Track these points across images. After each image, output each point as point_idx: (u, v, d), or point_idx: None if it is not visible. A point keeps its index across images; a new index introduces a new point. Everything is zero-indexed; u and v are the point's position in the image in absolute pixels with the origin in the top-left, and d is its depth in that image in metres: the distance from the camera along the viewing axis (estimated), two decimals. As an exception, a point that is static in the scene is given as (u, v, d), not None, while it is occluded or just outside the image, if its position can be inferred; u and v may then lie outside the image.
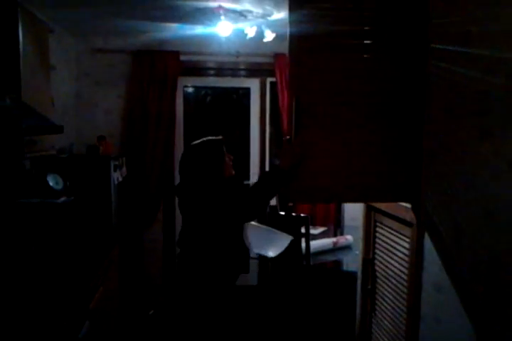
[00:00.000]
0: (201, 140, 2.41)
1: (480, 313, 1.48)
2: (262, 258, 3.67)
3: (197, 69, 4.56)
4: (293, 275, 3.32)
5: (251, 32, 3.55)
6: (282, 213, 3.58)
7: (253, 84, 4.69)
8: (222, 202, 2.22)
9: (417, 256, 1.94)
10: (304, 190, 1.94)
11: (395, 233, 2.26)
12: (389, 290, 2.31)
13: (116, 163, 3.72)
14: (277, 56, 4.35)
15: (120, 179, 3.82)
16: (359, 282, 2.74)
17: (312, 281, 3.22)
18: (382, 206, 2.36)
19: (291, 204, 3.69)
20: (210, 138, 2.42)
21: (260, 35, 3.59)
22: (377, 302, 2.49)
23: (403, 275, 2.13)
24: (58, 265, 2.64)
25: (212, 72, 4.63)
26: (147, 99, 4.31)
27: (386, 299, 2.35)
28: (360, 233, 2.70)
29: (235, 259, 2.41)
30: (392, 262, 2.27)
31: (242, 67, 4.57)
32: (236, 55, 4.39)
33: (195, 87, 4.86)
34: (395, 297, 2.24)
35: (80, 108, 4.37)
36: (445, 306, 1.73)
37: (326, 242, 3.61)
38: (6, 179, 2.90)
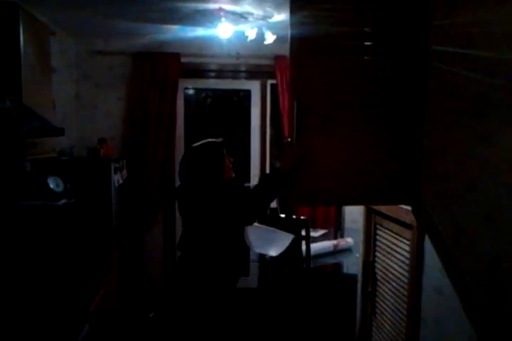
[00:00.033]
0: (201, 142, 2.41)
1: (480, 316, 1.48)
2: (262, 261, 3.67)
3: (197, 71, 4.56)
4: (293, 277, 3.32)
5: (251, 34, 3.55)
6: (283, 215, 3.58)
7: (254, 86, 4.69)
8: (222, 205, 2.21)
9: (417, 259, 1.94)
10: (304, 193, 1.94)
11: (395, 235, 2.25)
12: (389, 292, 2.31)
13: (117, 165, 3.72)
14: (278, 58, 4.35)
15: (121, 181, 3.82)
16: (359, 284, 2.73)
17: (312, 284, 3.22)
18: (382, 208, 2.36)
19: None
20: (210, 140, 2.42)
21: (261, 37, 3.60)
22: (377, 304, 2.49)
23: (403, 278, 2.13)
24: (58, 267, 2.63)
25: (212, 74, 4.63)
26: (148, 101, 4.31)
27: (386, 302, 2.35)
28: (361, 235, 2.70)
29: (235, 262, 2.40)
30: (393, 265, 2.27)
31: (242, 69, 4.57)
32: (237, 57, 4.39)
33: (196, 89, 4.87)
34: (395, 299, 2.23)
35: (80, 110, 4.38)
36: (445, 309, 1.73)
37: (327, 245, 3.61)
38: (6, 181, 2.90)
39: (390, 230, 2.32)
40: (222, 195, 2.28)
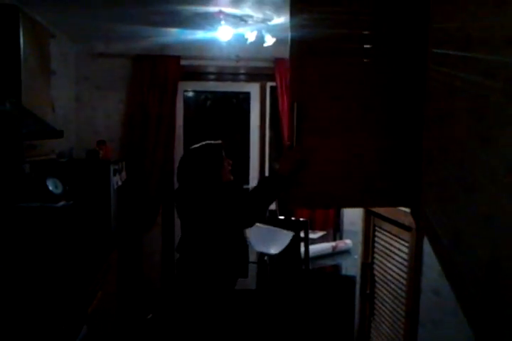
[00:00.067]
0: (200, 144, 2.41)
1: (479, 318, 1.48)
2: (261, 263, 3.67)
3: (197, 74, 4.58)
4: (292, 279, 3.32)
5: (251, 36, 3.56)
6: (282, 217, 3.58)
7: (253, 89, 4.70)
8: (220, 209, 2.20)
9: (415, 261, 1.94)
10: (303, 196, 1.94)
11: (394, 237, 2.26)
12: (388, 294, 2.31)
13: (116, 167, 3.73)
14: (277, 61, 4.37)
15: (120, 183, 3.82)
16: (358, 286, 2.74)
17: (311, 285, 3.22)
18: (381, 210, 2.36)
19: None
20: (209, 142, 2.41)
21: (260, 39, 3.61)
22: (375, 306, 2.49)
23: (402, 280, 2.13)
24: (57, 269, 2.63)
25: (212, 76, 4.65)
26: (147, 104, 4.32)
27: (385, 303, 2.35)
28: (360, 237, 2.71)
29: (234, 264, 2.40)
30: (391, 266, 2.27)
31: (242, 71, 4.59)
32: (236, 59, 4.40)
33: (196, 92, 4.88)
34: (393, 301, 2.24)
35: (80, 112, 4.39)
36: (444, 311, 1.73)
37: (325, 246, 3.61)
38: (5, 183, 2.90)
39: (388, 232, 2.33)
40: (221, 198, 2.28)
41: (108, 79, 4.42)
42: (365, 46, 1.90)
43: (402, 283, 2.12)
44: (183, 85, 4.53)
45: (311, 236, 3.73)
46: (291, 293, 3.28)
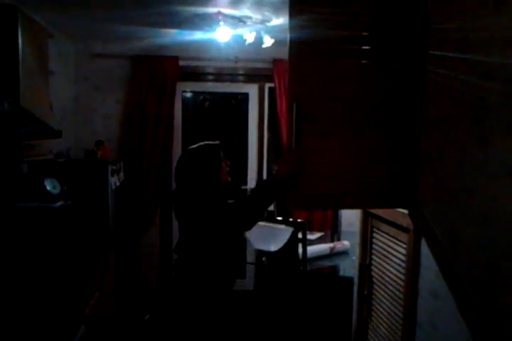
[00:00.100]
0: (198, 144, 2.39)
1: (477, 319, 1.49)
2: (259, 264, 3.67)
3: (196, 75, 4.58)
4: (289, 280, 3.32)
5: (250, 37, 3.56)
6: (279, 218, 3.58)
7: (251, 90, 4.71)
8: (218, 213, 2.20)
9: (413, 262, 1.94)
10: (302, 197, 1.94)
11: (391, 239, 2.26)
12: (385, 295, 2.31)
13: (114, 167, 3.73)
14: (276, 62, 4.37)
15: (118, 183, 3.82)
16: (355, 287, 2.74)
17: (309, 286, 3.22)
18: (379, 212, 2.36)
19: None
20: (207, 142, 2.40)
21: (259, 40, 3.61)
22: (373, 307, 2.49)
23: (400, 281, 2.13)
24: (54, 269, 2.63)
25: (210, 77, 4.65)
26: (146, 104, 4.32)
27: (382, 305, 2.35)
28: (357, 238, 2.71)
29: (232, 265, 2.40)
30: (389, 268, 2.27)
31: (240, 72, 4.59)
32: (235, 60, 4.40)
33: (194, 92, 4.88)
34: (391, 303, 2.24)
35: (78, 113, 4.39)
36: (442, 312, 1.73)
37: (323, 247, 3.61)
38: (3, 183, 2.90)
39: (386, 233, 2.33)
40: (218, 202, 2.28)
41: (106, 79, 4.42)
42: (364, 47, 1.90)
43: (400, 285, 2.13)
44: (181, 86, 4.53)
45: (309, 237, 3.73)
46: (288, 294, 3.28)
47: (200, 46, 4.25)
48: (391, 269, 2.24)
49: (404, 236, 2.08)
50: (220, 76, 4.63)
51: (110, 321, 3.26)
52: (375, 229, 2.49)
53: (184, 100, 4.74)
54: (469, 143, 1.53)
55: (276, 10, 3.16)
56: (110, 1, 3.01)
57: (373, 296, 2.49)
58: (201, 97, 4.97)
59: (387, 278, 2.30)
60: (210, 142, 2.41)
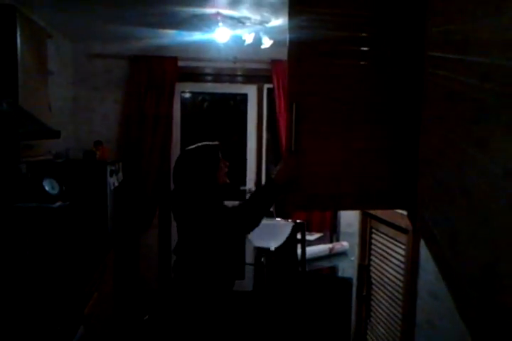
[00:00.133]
0: (196, 145, 2.38)
1: (475, 319, 1.49)
2: (258, 264, 3.66)
3: (194, 75, 4.58)
4: (288, 281, 3.32)
5: (249, 38, 3.56)
6: (278, 219, 3.58)
7: (250, 90, 4.71)
8: (216, 217, 2.19)
9: (412, 263, 1.95)
10: (301, 198, 1.94)
11: (390, 240, 2.26)
12: (384, 296, 2.32)
13: (113, 168, 3.72)
14: (274, 62, 4.37)
15: (116, 184, 3.82)
16: (354, 288, 2.74)
17: (308, 287, 3.22)
18: (378, 213, 2.37)
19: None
20: (205, 143, 2.38)
21: (258, 41, 3.61)
22: (372, 308, 2.49)
23: (398, 282, 2.13)
24: (53, 269, 2.63)
25: (209, 77, 4.65)
26: (144, 105, 4.32)
27: (381, 305, 2.35)
28: (356, 239, 2.71)
29: (231, 266, 2.39)
30: (388, 269, 2.27)
31: (239, 73, 4.59)
32: (234, 61, 4.40)
33: (193, 93, 4.87)
34: (390, 303, 2.24)
35: (77, 113, 4.38)
36: (440, 313, 1.73)
37: (322, 248, 3.61)
38: (2, 183, 2.90)
39: (385, 234, 2.33)
40: (217, 205, 2.27)
41: (105, 79, 4.42)
42: (363, 48, 1.90)
43: (399, 285, 2.13)
44: (180, 86, 4.53)
45: (308, 237, 3.73)
46: (287, 294, 3.28)
47: (199, 47, 4.25)
48: (390, 270, 2.24)
49: (403, 237, 2.09)
50: (218, 77, 4.63)
51: (109, 321, 3.26)
52: (374, 230, 2.49)
53: (183, 101, 4.74)
54: (468, 144, 1.53)
55: (275, 11, 3.16)
56: (109, 2, 3.01)
57: (372, 297, 2.49)
58: (200, 98, 4.97)
59: (386, 279, 2.30)
60: (209, 143, 2.39)
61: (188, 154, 2.36)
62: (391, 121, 1.91)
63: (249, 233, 2.27)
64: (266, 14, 3.26)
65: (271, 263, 3.43)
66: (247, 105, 4.74)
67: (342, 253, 3.65)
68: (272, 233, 2.62)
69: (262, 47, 3.67)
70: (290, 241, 3.26)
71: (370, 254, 2.54)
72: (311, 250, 3.48)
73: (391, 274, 2.23)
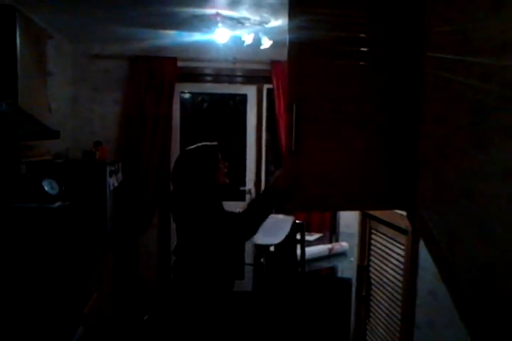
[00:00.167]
0: (196, 145, 2.37)
1: (475, 319, 1.49)
2: (257, 265, 3.67)
3: (194, 76, 4.58)
4: (288, 281, 3.32)
5: (248, 39, 3.56)
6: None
7: (250, 91, 4.71)
8: (215, 222, 2.20)
9: (411, 263, 1.95)
10: (301, 199, 1.94)
11: (390, 240, 2.26)
12: (383, 297, 2.32)
13: (112, 168, 3.72)
14: (274, 63, 4.37)
15: (116, 184, 3.82)
16: (354, 289, 2.74)
17: (307, 288, 3.22)
18: (377, 213, 2.37)
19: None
20: (205, 143, 2.38)
21: (257, 42, 3.61)
22: (371, 309, 2.49)
23: (398, 283, 2.14)
24: (53, 269, 2.63)
25: (209, 78, 4.65)
26: (144, 105, 4.32)
27: (381, 306, 2.35)
28: (356, 240, 2.71)
29: (230, 267, 2.39)
30: (387, 269, 2.28)
31: (239, 73, 4.59)
32: (233, 61, 4.41)
33: (192, 93, 4.87)
34: (389, 304, 2.24)
35: (76, 113, 4.38)
36: (440, 313, 1.74)
37: (321, 249, 3.61)
38: (1, 183, 2.90)
39: (384, 235, 2.33)
40: (216, 207, 2.28)
41: (105, 80, 4.42)
42: (362, 49, 1.91)
43: (398, 286, 2.13)
44: (179, 87, 4.53)
45: (308, 238, 3.73)
46: (287, 295, 3.28)
47: (198, 47, 4.25)
48: (389, 270, 2.25)
49: (402, 238, 2.09)
50: (218, 77, 4.63)
51: (108, 321, 3.26)
52: (373, 231, 2.49)
53: (182, 101, 4.74)
54: (467, 144, 1.54)
55: (275, 11, 3.16)
56: (109, 2, 3.01)
57: (371, 297, 2.49)
58: (199, 98, 4.97)
59: (385, 280, 2.30)
60: (208, 143, 2.39)
61: (187, 155, 2.36)
62: (391, 121, 1.91)
63: (248, 240, 2.29)
64: (265, 15, 3.27)
65: (270, 264, 3.44)
66: (246, 106, 4.74)
67: (341, 254, 3.65)
68: (272, 229, 2.61)
69: (262, 47, 3.67)
70: (290, 242, 3.27)
71: (369, 255, 2.54)
72: (311, 250, 3.48)
73: (390, 275, 2.23)
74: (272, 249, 3.44)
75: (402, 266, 2.09)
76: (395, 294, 2.16)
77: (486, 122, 1.43)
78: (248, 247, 3.87)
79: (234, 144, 4.88)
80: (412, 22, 1.88)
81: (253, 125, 4.72)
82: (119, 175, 4.01)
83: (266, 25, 3.49)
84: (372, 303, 2.48)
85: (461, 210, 1.56)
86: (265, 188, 2.23)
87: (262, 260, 3.63)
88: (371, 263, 2.51)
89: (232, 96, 4.91)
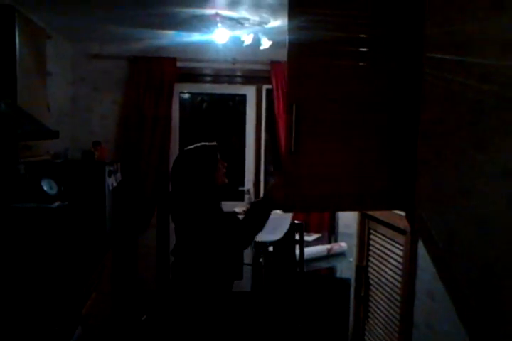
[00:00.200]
0: (195, 145, 2.37)
1: (473, 320, 1.49)
2: (256, 265, 3.67)
3: (193, 76, 4.58)
4: (287, 281, 3.32)
5: (248, 39, 3.56)
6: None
7: (249, 91, 4.71)
8: (213, 227, 2.21)
9: (410, 264, 1.95)
10: (299, 200, 1.94)
11: (388, 240, 2.26)
12: (382, 297, 2.32)
13: (111, 168, 3.72)
14: (273, 63, 4.38)
15: (115, 184, 3.82)
16: (352, 289, 2.74)
17: (306, 288, 3.22)
18: (376, 213, 2.37)
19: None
20: (204, 144, 2.38)
21: (257, 42, 3.61)
22: (370, 309, 2.49)
23: (396, 283, 2.14)
24: (51, 269, 2.63)
25: (208, 78, 4.65)
26: (143, 105, 4.32)
27: (379, 306, 2.36)
28: (354, 240, 2.71)
29: (229, 267, 2.39)
30: (386, 269, 2.28)
31: (238, 74, 4.59)
32: (232, 62, 4.41)
33: (192, 94, 4.88)
34: (388, 304, 2.24)
35: (75, 113, 4.38)
36: (438, 313, 1.74)
37: (320, 249, 3.62)
38: (0, 183, 2.89)
39: (383, 235, 2.33)
40: (215, 210, 2.28)
41: (104, 80, 4.42)
42: (362, 49, 1.91)
43: (397, 286, 2.13)
44: (179, 87, 4.53)
45: (306, 238, 3.73)
46: (286, 295, 3.28)
47: (197, 47, 4.25)
48: (388, 271, 2.25)
49: (401, 238, 2.09)
50: (217, 77, 4.63)
51: (107, 321, 3.26)
52: (372, 231, 2.49)
53: (182, 101, 4.74)
54: (467, 145, 1.54)
55: (274, 12, 3.17)
56: (108, 2, 3.01)
57: (370, 298, 2.49)
58: (199, 98, 4.97)
59: (384, 280, 2.30)
60: (207, 143, 2.39)
61: (186, 155, 2.36)
62: (390, 121, 1.91)
63: (245, 249, 2.32)
64: (265, 15, 3.27)
65: (269, 264, 3.44)
66: (245, 106, 4.74)
67: (340, 254, 3.65)
68: (271, 226, 2.61)
69: (261, 48, 3.67)
70: (288, 242, 3.27)
71: (368, 255, 2.54)
72: (310, 251, 3.48)
73: (389, 275, 2.23)
74: (270, 249, 3.44)
75: (400, 267, 2.09)
76: (394, 294, 2.16)
77: (486, 122, 1.43)
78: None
79: (233, 144, 4.88)
80: (411, 22, 1.88)
81: (252, 125, 4.73)
82: (118, 175, 4.01)
83: (265, 26, 3.49)
84: (370, 303, 2.49)
85: (460, 210, 1.56)
86: (261, 198, 2.24)
87: (260, 260, 3.63)
88: (370, 264, 2.51)
89: (232, 97, 4.91)
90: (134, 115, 4.34)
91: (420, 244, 1.87)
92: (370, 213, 2.45)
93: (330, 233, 4.38)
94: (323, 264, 3.51)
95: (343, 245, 3.72)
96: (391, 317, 2.20)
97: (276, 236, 3.05)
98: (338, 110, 1.88)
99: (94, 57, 4.36)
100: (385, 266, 2.29)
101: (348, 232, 3.24)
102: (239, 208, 3.76)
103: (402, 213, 2.02)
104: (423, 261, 1.85)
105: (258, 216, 2.18)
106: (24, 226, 2.90)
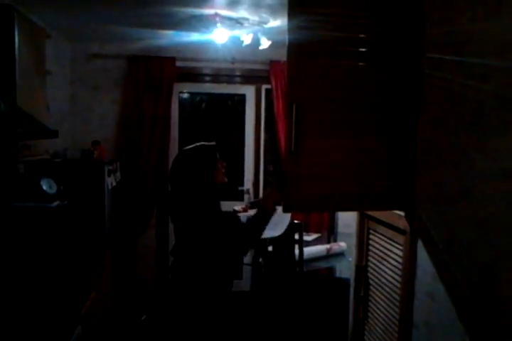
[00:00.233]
0: (194, 145, 2.37)
1: (473, 320, 1.49)
2: (256, 264, 3.67)
3: (193, 76, 4.58)
4: (286, 281, 3.32)
5: (247, 39, 3.56)
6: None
7: (248, 91, 4.71)
8: (212, 228, 2.22)
9: (409, 264, 1.95)
10: (300, 200, 1.94)
11: (388, 240, 2.27)
12: (382, 297, 2.32)
13: (111, 167, 3.72)
14: (273, 63, 4.37)
15: (114, 184, 3.82)
16: (352, 289, 2.74)
17: (305, 288, 3.22)
18: (375, 213, 2.37)
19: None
20: (203, 143, 2.38)
21: (256, 42, 3.61)
22: (369, 309, 2.49)
23: (396, 283, 2.14)
24: (51, 269, 2.62)
25: (207, 78, 4.65)
26: (142, 105, 4.32)
27: (379, 306, 2.36)
28: (354, 240, 2.71)
29: (229, 267, 2.39)
30: (385, 269, 2.28)
31: (237, 73, 4.59)
32: (232, 61, 4.41)
33: (191, 93, 4.88)
34: (387, 304, 2.24)
35: (75, 113, 4.38)
36: (438, 313, 1.74)
37: (320, 249, 3.62)
38: (0, 183, 2.89)
39: (383, 235, 2.34)
40: (214, 211, 2.29)
41: (103, 79, 4.42)
42: (362, 49, 1.91)
43: (396, 286, 2.13)
44: (178, 86, 4.53)
45: (306, 238, 3.73)
46: (285, 295, 3.28)
47: (197, 47, 4.25)
48: (387, 271, 2.25)
49: (400, 238, 2.09)
50: (217, 77, 4.63)
51: (106, 321, 3.26)
52: (371, 231, 2.49)
53: (181, 101, 4.74)
54: (467, 145, 1.54)
55: (274, 12, 3.16)
56: (108, 2, 3.01)
57: (370, 298, 2.49)
58: (198, 98, 4.97)
59: (383, 280, 2.30)
60: (206, 143, 2.38)
61: (185, 154, 2.36)
62: (389, 122, 1.91)
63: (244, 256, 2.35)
64: (264, 15, 3.27)
65: (268, 264, 3.44)
66: (245, 106, 4.74)
67: (340, 254, 3.65)
68: (271, 223, 2.61)
69: (260, 48, 3.67)
70: (288, 242, 3.27)
71: (367, 255, 2.54)
72: (309, 250, 3.48)
73: (388, 275, 2.23)
74: (270, 248, 3.44)
75: (400, 267, 2.09)
76: (393, 294, 2.17)
77: (486, 123, 1.43)
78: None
79: (232, 144, 4.88)
80: (411, 22, 1.88)
81: (251, 125, 4.72)
82: (118, 174, 4.01)
83: (265, 26, 3.49)
84: (370, 303, 2.49)
85: (460, 211, 1.56)
86: (258, 210, 2.26)
87: (260, 260, 3.63)
88: (369, 264, 2.51)
89: (231, 96, 4.91)
90: (134, 114, 4.34)
91: (420, 244, 1.88)
92: (370, 213, 2.45)
93: (329, 233, 4.38)
94: (323, 264, 3.51)
95: (342, 245, 3.72)
96: (391, 317, 2.20)
97: (277, 232, 3.05)
98: (338, 110, 1.88)
99: (94, 56, 4.36)
100: (385, 265, 2.29)
101: (348, 232, 3.24)
102: (238, 206, 3.77)
103: (402, 213, 2.02)
104: (423, 261, 1.86)
105: (255, 227, 2.22)
106: (23, 225, 2.90)
